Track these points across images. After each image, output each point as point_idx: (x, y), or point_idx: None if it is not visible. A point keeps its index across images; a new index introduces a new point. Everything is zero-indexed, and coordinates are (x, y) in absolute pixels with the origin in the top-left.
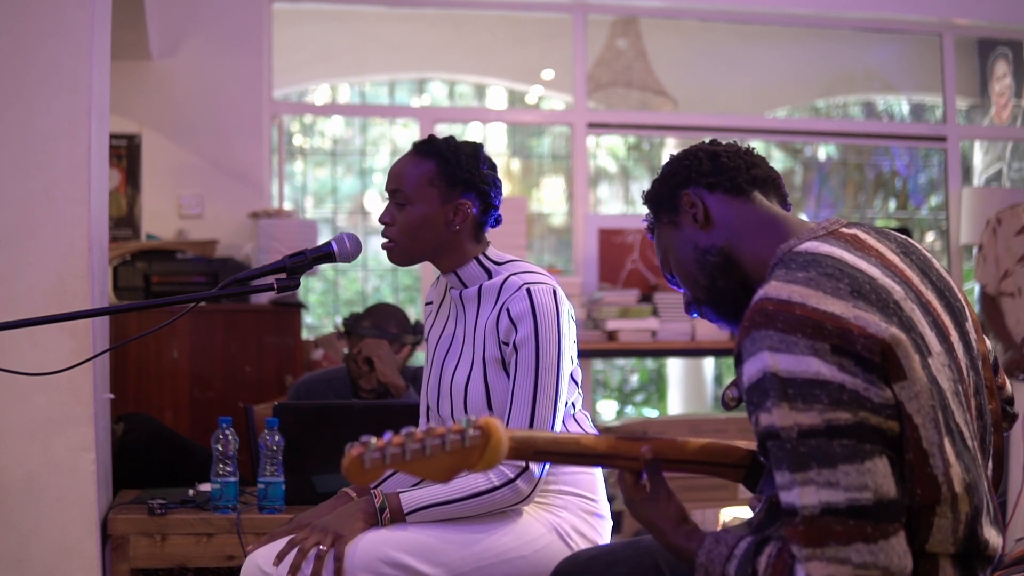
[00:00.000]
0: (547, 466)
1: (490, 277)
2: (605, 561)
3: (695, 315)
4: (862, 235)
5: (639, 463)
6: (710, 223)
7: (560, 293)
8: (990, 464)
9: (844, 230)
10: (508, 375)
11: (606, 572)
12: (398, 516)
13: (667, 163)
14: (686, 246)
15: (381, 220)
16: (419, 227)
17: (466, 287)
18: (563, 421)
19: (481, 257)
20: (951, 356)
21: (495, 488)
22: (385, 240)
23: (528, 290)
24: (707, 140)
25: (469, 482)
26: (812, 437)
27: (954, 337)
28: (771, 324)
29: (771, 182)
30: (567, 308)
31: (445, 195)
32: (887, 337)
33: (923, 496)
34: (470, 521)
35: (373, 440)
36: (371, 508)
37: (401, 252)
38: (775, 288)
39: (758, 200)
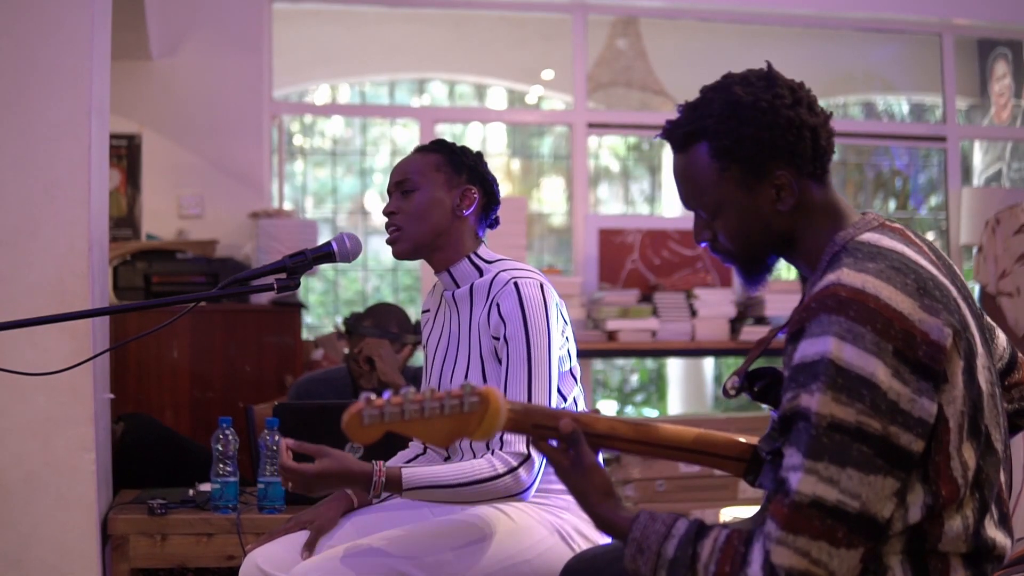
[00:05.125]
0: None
1: (481, 275)
2: (610, 558)
3: (705, 246)
4: (907, 232)
5: (636, 446)
6: (793, 209)
7: (548, 287)
8: None
9: (890, 224)
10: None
11: (612, 569)
12: (394, 486)
13: (759, 120)
14: (755, 218)
15: (386, 211)
16: (427, 210)
17: (458, 287)
18: None
19: (473, 256)
20: (987, 357)
21: (498, 476)
22: (392, 229)
23: (516, 284)
24: (803, 90)
25: (474, 467)
26: (839, 432)
27: (984, 340)
28: (843, 311)
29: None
30: (555, 301)
31: (451, 180)
32: (948, 345)
33: (947, 496)
34: (474, 527)
35: (373, 397)
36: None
37: (406, 238)
38: (848, 276)
39: (829, 184)
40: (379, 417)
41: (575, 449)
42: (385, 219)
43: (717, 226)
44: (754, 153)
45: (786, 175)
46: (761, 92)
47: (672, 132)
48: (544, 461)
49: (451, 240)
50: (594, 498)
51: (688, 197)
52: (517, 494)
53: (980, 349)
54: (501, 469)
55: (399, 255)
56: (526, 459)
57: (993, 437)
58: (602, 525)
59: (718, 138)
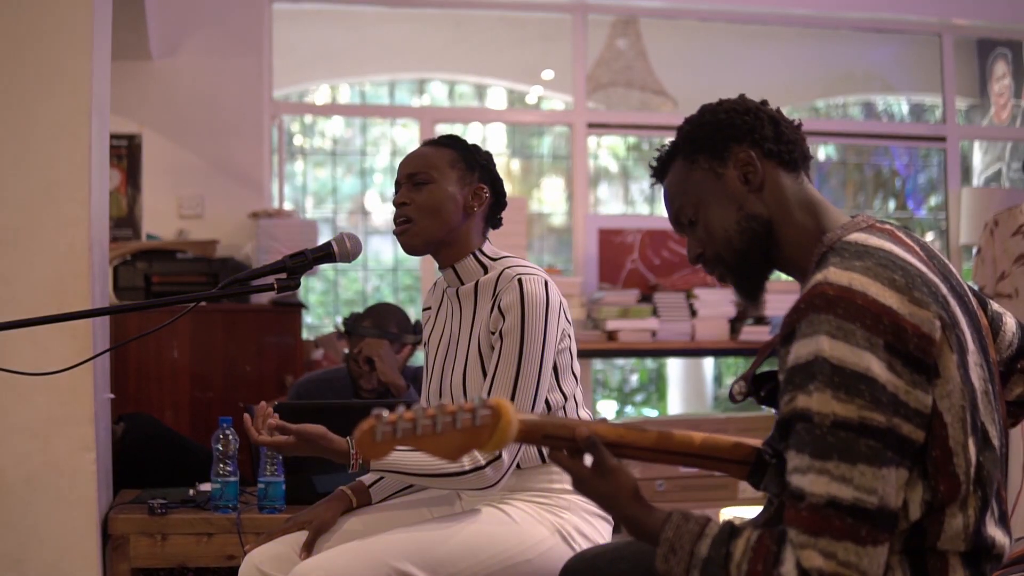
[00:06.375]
0: (518, 456)
1: (485, 272)
2: (610, 558)
3: (699, 264)
4: (898, 231)
5: (645, 453)
6: (761, 189)
7: (552, 285)
8: None
9: (879, 225)
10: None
11: (612, 568)
12: (365, 462)
13: (716, 108)
14: (728, 203)
15: (397, 202)
16: (440, 205)
17: (462, 283)
18: (570, 413)
19: (477, 252)
20: (980, 355)
21: (463, 472)
22: (401, 220)
23: (520, 280)
24: (760, 100)
25: (442, 461)
26: (843, 430)
27: (977, 338)
28: (831, 309)
29: (809, 162)
30: (558, 300)
31: (464, 177)
32: (937, 337)
33: (945, 493)
34: (474, 526)
35: (385, 413)
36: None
37: (417, 232)
38: (835, 274)
39: (803, 180)
40: (392, 433)
41: (595, 455)
42: (394, 212)
43: (700, 232)
44: (713, 134)
45: (747, 153)
46: (725, 100)
47: (655, 170)
48: (516, 458)
49: (460, 237)
50: (623, 500)
51: (673, 213)
52: (481, 489)
53: (972, 347)
54: (467, 467)
55: (408, 247)
56: (496, 459)
57: (990, 433)
58: (632, 527)
59: (683, 140)
